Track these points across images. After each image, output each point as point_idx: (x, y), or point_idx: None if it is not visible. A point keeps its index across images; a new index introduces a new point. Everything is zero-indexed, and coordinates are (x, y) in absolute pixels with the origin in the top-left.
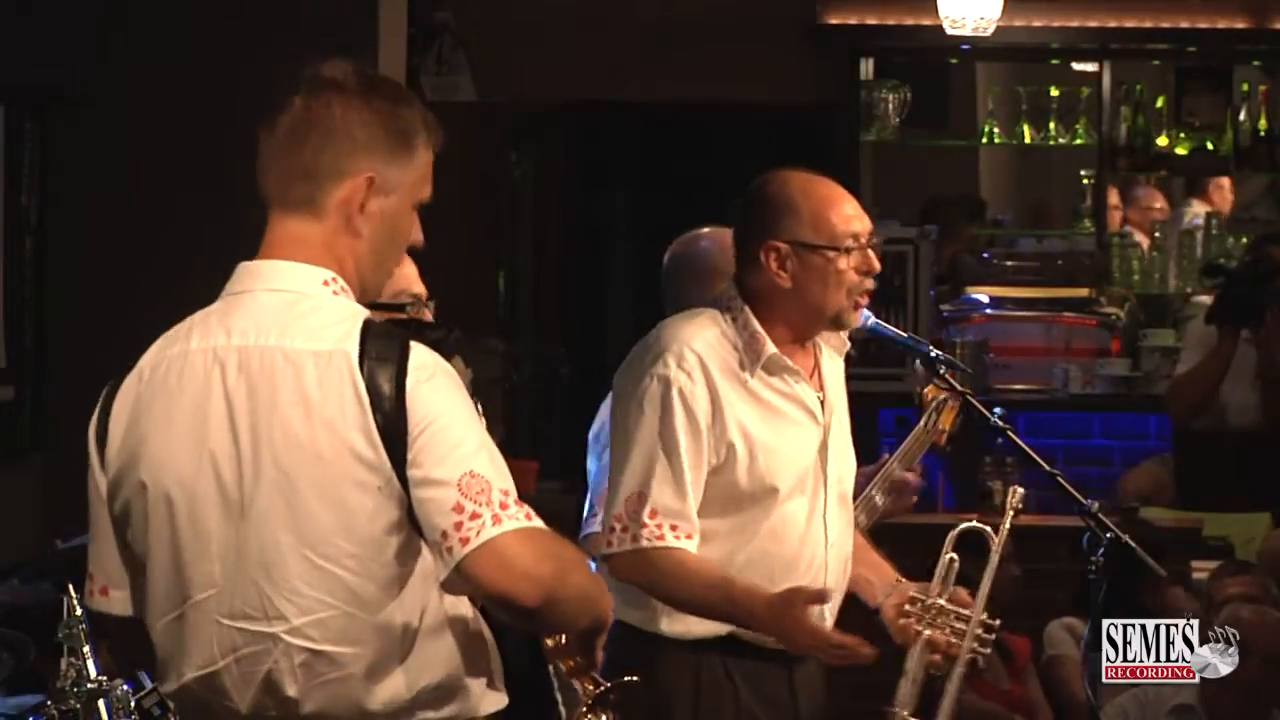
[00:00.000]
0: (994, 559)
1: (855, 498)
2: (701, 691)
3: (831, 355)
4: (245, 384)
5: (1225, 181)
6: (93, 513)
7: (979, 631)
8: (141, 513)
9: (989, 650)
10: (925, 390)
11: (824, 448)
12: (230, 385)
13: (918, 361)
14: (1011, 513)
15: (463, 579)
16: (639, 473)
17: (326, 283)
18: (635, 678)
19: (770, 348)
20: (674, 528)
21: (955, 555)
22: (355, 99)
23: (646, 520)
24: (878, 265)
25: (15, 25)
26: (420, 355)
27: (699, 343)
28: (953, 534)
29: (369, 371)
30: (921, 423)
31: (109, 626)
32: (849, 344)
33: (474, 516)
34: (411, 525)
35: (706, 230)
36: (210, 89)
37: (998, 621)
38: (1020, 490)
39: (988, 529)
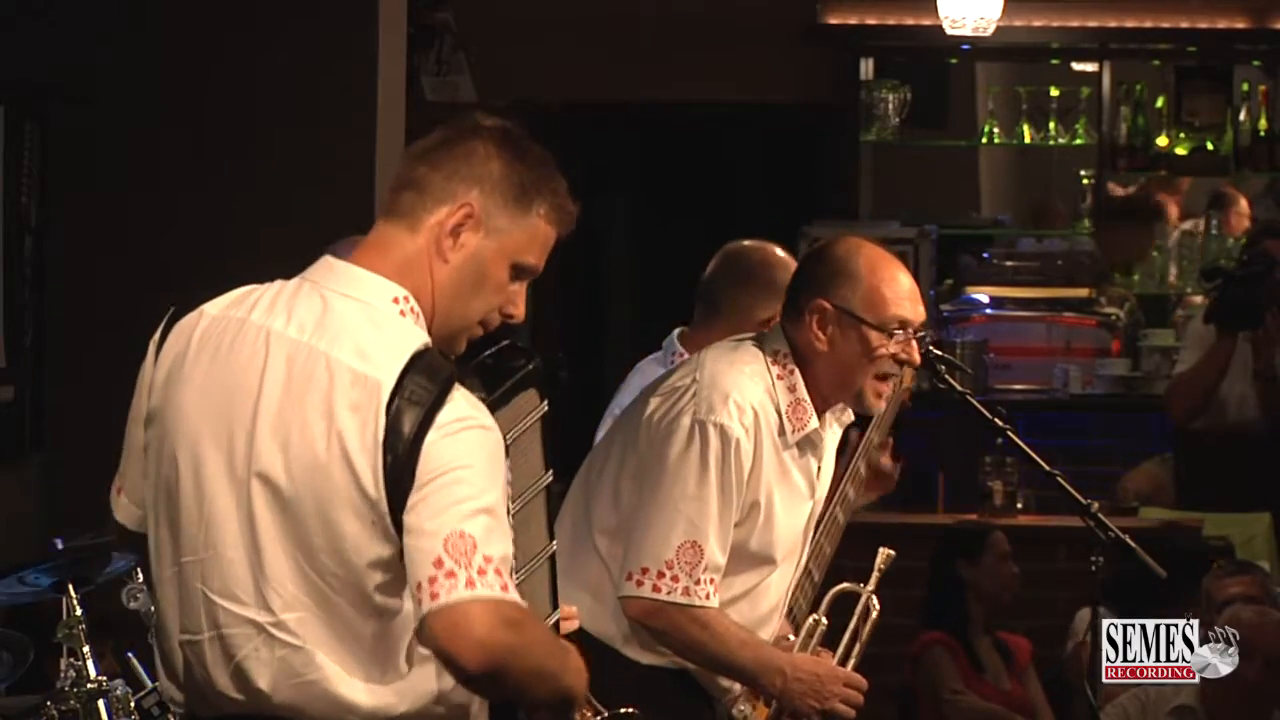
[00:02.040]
0: (856, 625)
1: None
2: (649, 712)
3: (834, 428)
4: (283, 377)
5: (1245, 207)
6: (131, 415)
7: (838, 691)
8: (156, 457)
9: (853, 714)
10: None
11: (809, 522)
12: (269, 372)
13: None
14: (877, 574)
15: (422, 633)
16: (695, 521)
17: (396, 300)
18: (633, 709)
19: (814, 422)
20: (712, 582)
21: (824, 619)
22: (490, 140)
23: (702, 577)
24: (917, 359)
25: (15, 24)
26: (456, 407)
27: (754, 397)
28: (830, 595)
29: (396, 409)
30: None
31: (112, 524)
32: (852, 417)
33: (449, 575)
34: (403, 567)
35: (752, 243)
36: (210, 89)
37: (865, 685)
38: (889, 553)
39: (861, 589)
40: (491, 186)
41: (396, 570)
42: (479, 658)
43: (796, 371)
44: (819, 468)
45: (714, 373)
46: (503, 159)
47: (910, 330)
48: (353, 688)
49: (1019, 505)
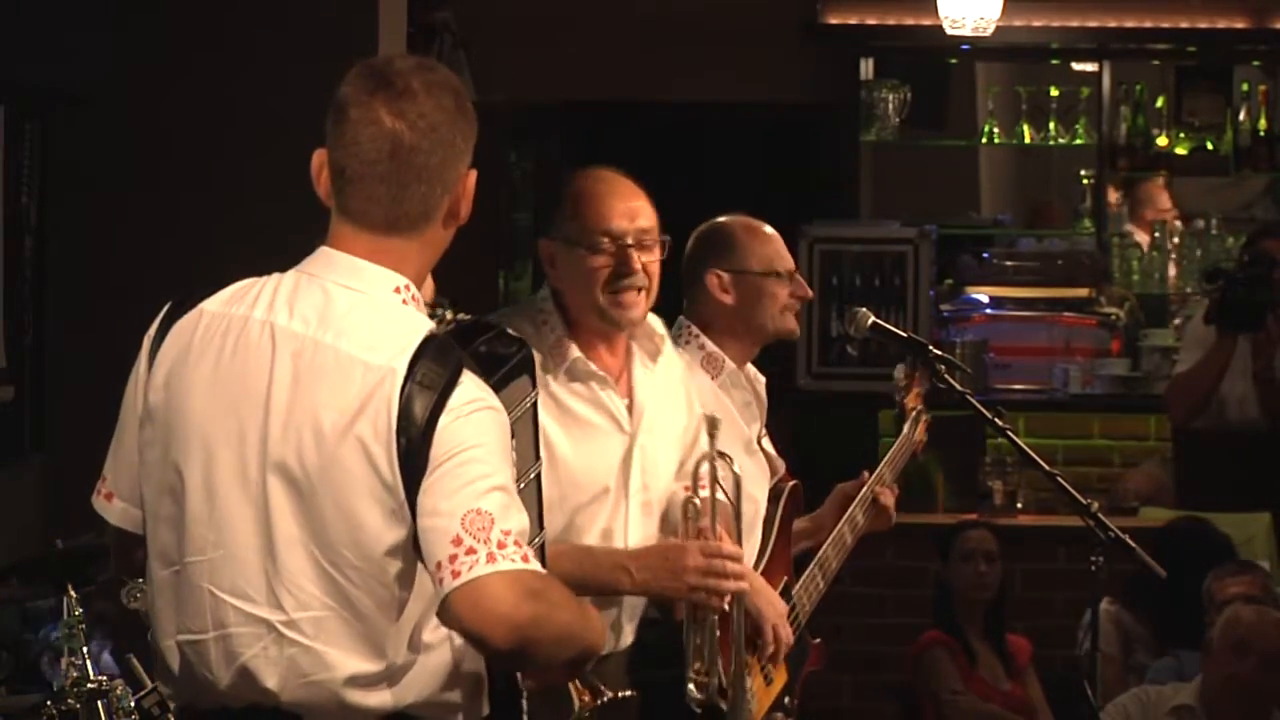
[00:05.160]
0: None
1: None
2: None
3: (646, 362)
4: (291, 372)
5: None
6: (123, 416)
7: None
8: (159, 459)
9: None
10: (906, 401)
11: (628, 456)
12: (277, 368)
13: (897, 367)
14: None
15: (446, 612)
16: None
17: (398, 289)
18: (633, 692)
19: (574, 353)
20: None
21: (683, 488)
22: (443, 103)
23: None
24: (637, 267)
25: (16, 24)
26: (467, 389)
27: None
28: (695, 465)
29: (408, 394)
30: (905, 430)
31: (108, 530)
32: (660, 347)
33: (469, 552)
34: (415, 552)
35: (724, 219)
36: (211, 88)
37: (733, 551)
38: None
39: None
40: (471, 139)
41: (412, 556)
42: (507, 634)
43: (556, 313)
44: (629, 403)
45: None
46: (462, 112)
47: (628, 239)
48: (362, 686)
49: (1019, 505)
